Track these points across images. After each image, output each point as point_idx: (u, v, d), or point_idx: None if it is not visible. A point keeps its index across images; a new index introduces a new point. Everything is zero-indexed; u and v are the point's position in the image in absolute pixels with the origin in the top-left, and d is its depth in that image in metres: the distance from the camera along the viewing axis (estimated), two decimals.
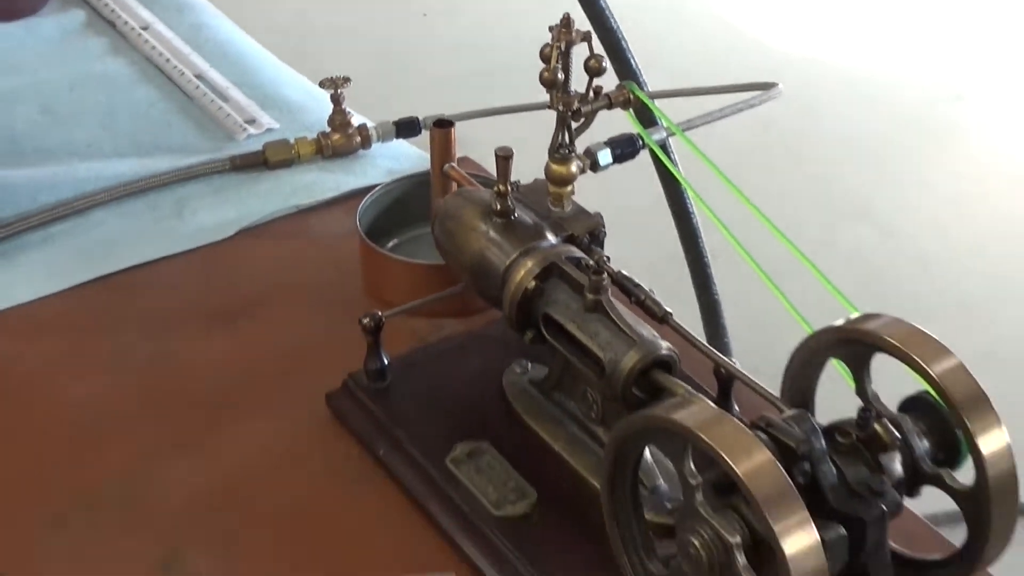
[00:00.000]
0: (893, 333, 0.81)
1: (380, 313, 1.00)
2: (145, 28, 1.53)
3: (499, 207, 0.96)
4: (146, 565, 0.93)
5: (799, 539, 0.72)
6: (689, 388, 0.86)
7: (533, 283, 0.93)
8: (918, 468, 0.81)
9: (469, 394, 1.02)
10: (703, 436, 0.74)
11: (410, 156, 1.35)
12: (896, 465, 0.80)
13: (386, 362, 1.02)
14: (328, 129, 1.33)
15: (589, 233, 0.98)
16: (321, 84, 1.30)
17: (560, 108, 0.94)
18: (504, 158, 0.95)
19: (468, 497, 0.93)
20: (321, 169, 1.32)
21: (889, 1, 3.51)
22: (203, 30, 1.56)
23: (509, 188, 0.96)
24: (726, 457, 0.73)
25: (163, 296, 1.19)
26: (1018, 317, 2.41)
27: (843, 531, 0.78)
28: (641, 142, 1.02)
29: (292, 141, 1.32)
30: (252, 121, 1.39)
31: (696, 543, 0.76)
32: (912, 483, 0.81)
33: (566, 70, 0.92)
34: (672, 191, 1.19)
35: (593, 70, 0.94)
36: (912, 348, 0.80)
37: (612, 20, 1.11)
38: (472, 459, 0.96)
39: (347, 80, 1.29)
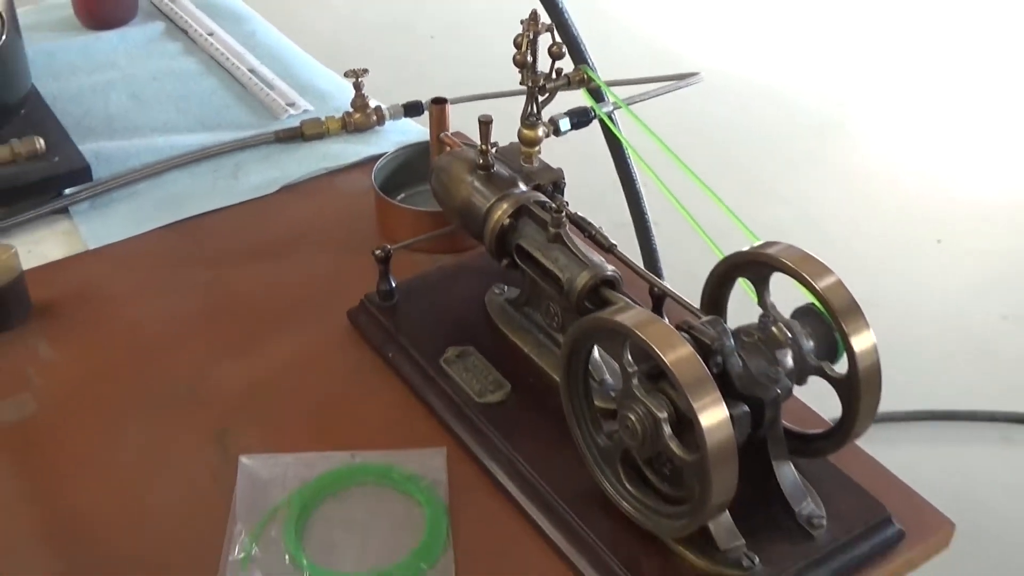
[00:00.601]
0: (787, 256, 0.80)
1: (389, 247, 0.98)
2: (211, 34, 1.51)
3: (481, 162, 0.95)
4: (206, 437, 0.91)
5: (713, 414, 0.71)
6: (629, 300, 0.84)
7: (508, 220, 0.92)
8: (805, 362, 0.80)
9: (459, 310, 1.00)
10: (639, 333, 0.73)
11: (414, 131, 1.33)
12: (788, 359, 0.79)
13: (393, 285, 1.00)
14: (351, 110, 1.30)
15: (552, 183, 0.96)
16: (345, 74, 1.28)
17: (529, 84, 0.92)
18: (485, 123, 0.94)
19: (457, 389, 0.92)
20: (345, 141, 1.30)
21: (786, 24, 3.47)
22: (255, 35, 1.53)
23: (489, 148, 0.94)
24: (657, 350, 0.71)
25: (221, 238, 1.16)
26: (889, 266, 2.41)
27: (747, 408, 0.77)
28: (593, 113, 0.99)
29: (323, 119, 1.30)
30: (292, 104, 1.36)
31: (632, 418, 0.75)
32: (800, 373, 0.80)
33: (533, 54, 0.90)
34: (618, 156, 1.17)
35: (555, 55, 0.92)
36: (801, 267, 0.79)
37: (571, 22, 1.08)
38: (460, 360, 0.94)
39: (365, 71, 1.27)
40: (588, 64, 1.07)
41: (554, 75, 0.93)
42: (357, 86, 1.29)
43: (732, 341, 0.78)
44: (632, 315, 0.74)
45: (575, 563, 0.80)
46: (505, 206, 0.92)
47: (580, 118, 0.98)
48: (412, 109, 1.31)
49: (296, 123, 1.31)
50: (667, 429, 0.74)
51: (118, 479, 0.88)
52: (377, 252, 0.98)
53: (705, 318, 0.79)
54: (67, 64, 1.44)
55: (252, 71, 1.42)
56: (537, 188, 0.95)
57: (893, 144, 2.91)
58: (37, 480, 0.88)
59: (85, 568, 0.81)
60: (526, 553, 0.82)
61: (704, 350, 0.77)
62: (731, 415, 0.73)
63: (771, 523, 0.80)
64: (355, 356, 0.99)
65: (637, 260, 1.02)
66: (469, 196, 0.94)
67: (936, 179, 2.74)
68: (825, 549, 0.79)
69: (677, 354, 0.72)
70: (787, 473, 0.81)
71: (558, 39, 0.91)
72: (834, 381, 0.79)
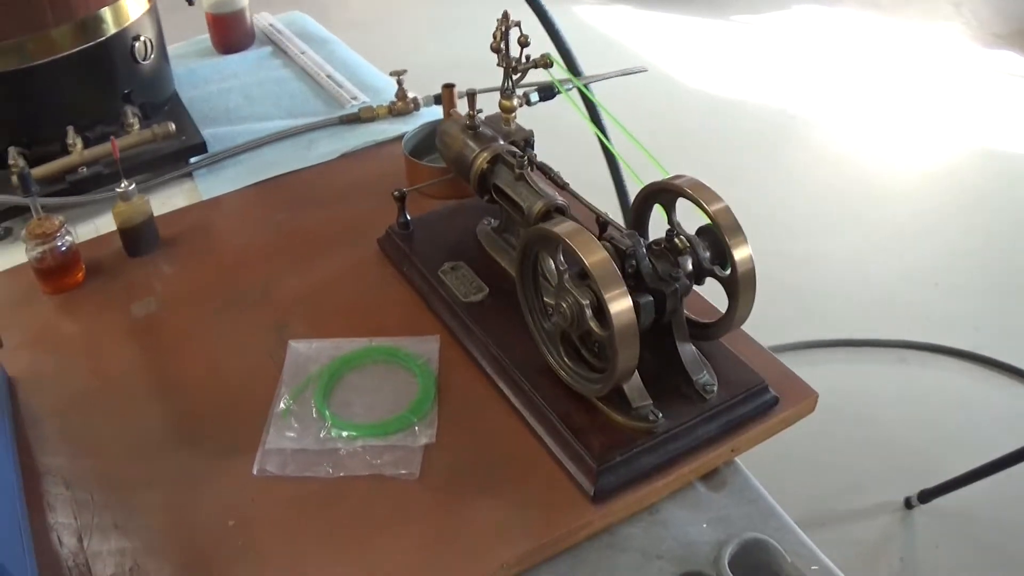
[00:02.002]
0: (688, 185, 0.74)
1: (404, 189, 0.94)
2: (303, 52, 1.47)
3: (469, 123, 0.89)
4: (269, 328, 0.89)
5: (620, 302, 0.66)
6: (575, 222, 0.79)
7: (486, 165, 0.87)
8: (701, 266, 0.74)
9: (456, 237, 0.95)
10: (567, 240, 0.68)
11: (441, 114, 1.27)
12: (688, 264, 0.73)
13: (408, 219, 0.96)
14: (395, 99, 1.25)
15: (524, 140, 0.90)
16: (391, 74, 1.24)
17: (504, 65, 0.86)
18: (471, 95, 0.90)
19: (449, 292, 0.87)
20: (390, 123, 1.25)
21: (745, 45, 3.34)
22: (334, 52, 1.49)
23: (475, 113, 0.89)
24: (579, 253, 0.67)
25: (295, 191, 1.12)
26: (824, 236, 2.31)
27: (651, 298, 0.71)
28: (556, 89, 0.93)
29: (375, 107, 1.25)
30: (355, 97, 1.31)
31: (564, 306, 0.70)
32: (698, 275, 0.74)
33: (507, 43, 0.85)
34: (595, 120, 1.08)
35: (523, 43, 0.86)
36: (698, 194, 0.73)
37: (552, 19, 1.01)
38: (453, 271, 0.90)
39: (405, 71, 1.22)
40: (577, 68, 1.00)
41: (524, 59, 0.87)
42: (399, 82, 1.24)
43: (644, 249, 0.73)
44: (564, 227, 0.69)
45: (526, 417, 0.76)
46: (485, 155, 0.87)
47: (547, 93, 0.92)
48: (439, 98, 1.26)
49: (355, 110, 1.26)
50: (589, 312, 0.69)
51: (208, 354, 0.86)
52: (395, 193, 0.94)
53: (626, 232, 0.74)
54: (202, 77, 1.42)
55: (329, 76, 1.38)
56: (512, 143, 0.90)
57: (830, 140, 2.79)
58: (156, 354, 0.87)
59: (183, 411, 0.80)
60: (492, 411, 0.78)
61: (621, 255, 0.72)
62: (638, 303, 0.68)
63: (674, 389, 0.75)
64: (379, 272, 0.95)
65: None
66: (461, 149, 0.90)
67: (860, 169, 2.63)
68: (715, 409, 0.74)
69: (595, 256, 0.67)
70: (688, 351, 0.76)
71: (525, 32, 0.86)
72: (723, 281, 0.74)
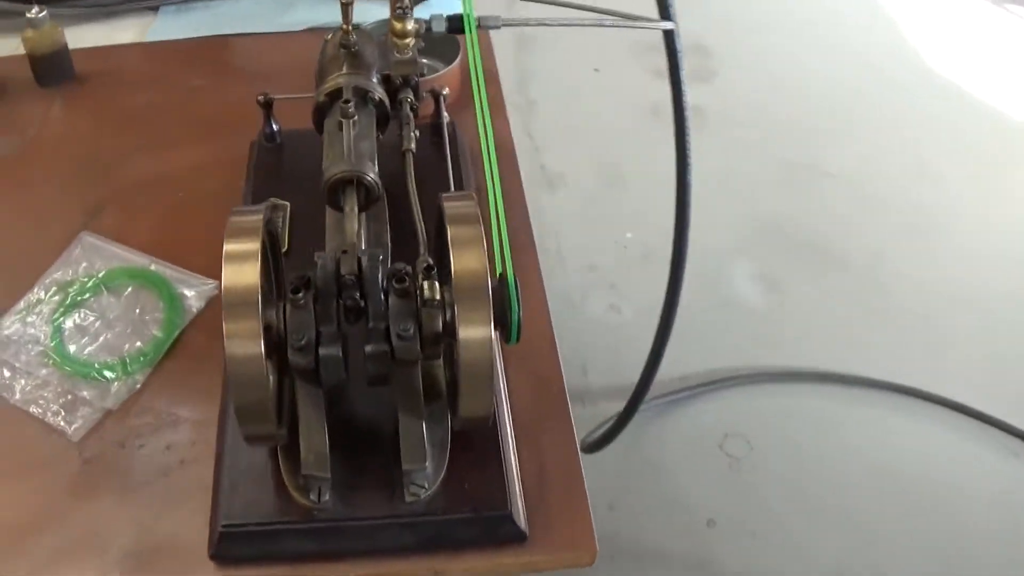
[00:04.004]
0: (452, 205, 0.54)
1: (271, 95, 0.79)
2: None
3: (343, 41, 0.71)
4: (85, 207, 0.81)
5: (243, 344, 0.49)
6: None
7: (323, 98, 0.69)
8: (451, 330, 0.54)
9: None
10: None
11: None
12: (438, 323, 0.54)
13: (276, 129, 0.82)
14: None
15: (403, 77, 0.71)
16: None
17: None
18: (345, 4, 0.70)
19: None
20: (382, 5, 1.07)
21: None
22: None
23: (349, 29, 0.71)
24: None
25: (240, 57, 1.01)
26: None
27: (336, 352, 0.53)
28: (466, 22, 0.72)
29: None
30: None
31: None
32: (434, 340, 0.54)
33: None
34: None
35: None
36: (458, 225, 0.53)
37: None
38: (275, 212, 0.75)
39: None
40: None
41: None
42: None
43: (379, 282, 0.54)
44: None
45: (224, 429, 0.63)
46: (327, 85, 0.69)
47: (455, 23, 0.71)
48: None
49: None
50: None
51: (11, 212, 0.81)
52: (260, 98, 0.78)
53: (370, 251, 0.55)
54: None
55: None
56: (385, 79, 0.71)
57: None
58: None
59: None
60: (208, 404, 0.65)
61: (336, 281, 0.54)
62: (306, 353, 0.51)
63: (380, 471, 0.58)
64: (227, 182, 0.81)
65: None
66: (326, 65, 0.72)
67: None
68: (418, 518, 0.57)
69: (231, 279, 0.51)
70: (412, 430, 0.58)
71: None
72: (451, 362, 0.54)
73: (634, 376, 0.98)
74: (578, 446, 0.63)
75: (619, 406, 1.23)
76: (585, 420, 1.50)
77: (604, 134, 2.08)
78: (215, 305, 0.71)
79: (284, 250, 0.71)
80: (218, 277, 0.70)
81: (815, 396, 1.55)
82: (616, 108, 2.14)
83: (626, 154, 2.01)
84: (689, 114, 0.72)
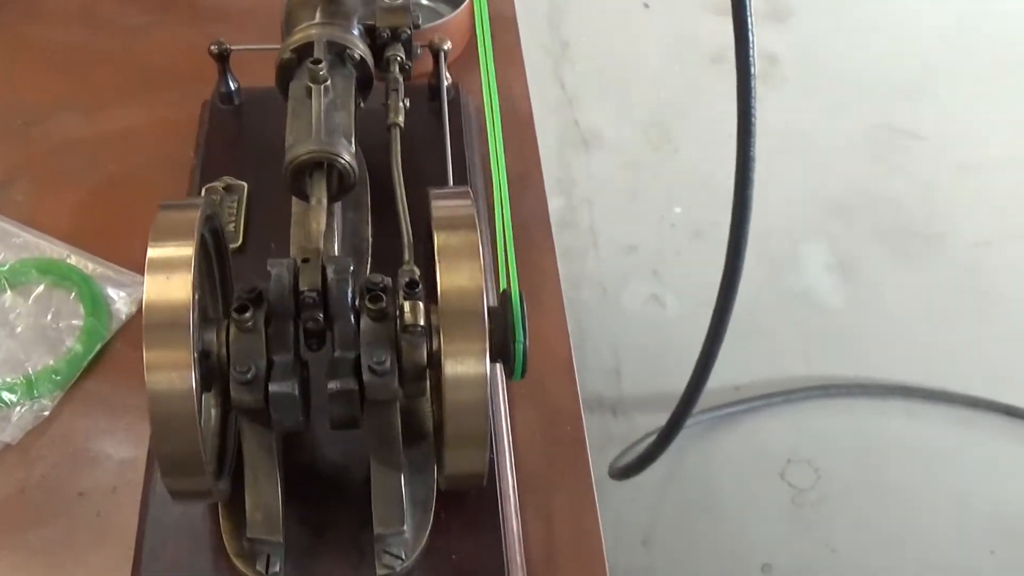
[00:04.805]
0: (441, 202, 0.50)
1: (227, 45, 0.75)
2: None
3: None
4: None
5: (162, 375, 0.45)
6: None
7: (289, 54, 0.65)
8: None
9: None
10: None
11: None
12: (421, 352, 0.50)
13: (234, 88, 0.77)
14: None
15: (392, 28, 0.67)
16: None
17: None
18: None
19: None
20: None
21: None
22: None
23: None
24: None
25: None
26: None
27: (290, 390, 0.50)
28: None
29: None
30: None
31: None
32: (415, 374, 0.51)
33: None
34: None
35: None
36: (444, 229, 0.49)
37: None
38: (228, 192, 0.71)
39: None
40: None
41: None
42: None
43: (348, 301, 0.51)
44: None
45: None
46: (294, 38, 0.65)
47: None
48: None
49: None
50: None
51: None
52: (212, 48, 0.75)
53: (337, 259, 0.52)
54: None
55: None
56: (369, 30, 0.67)
57: None
58: None
59: None
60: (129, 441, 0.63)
61: (295, 301, 0.51)
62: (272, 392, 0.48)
63: (346, 535, 0.55)
64: (172, 152, 0.78)
65: None
66: (295, 11, 0.68)
67: None
68: None
69: (151, 294, 0.47)
70: (387, 484, 0.54)
71: None
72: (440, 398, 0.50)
73: (678, 384, 0.95)
74: (597, 505, 0.60)
75: (658, 420, 1.20)
76: (618, 437, 1.48)
77: (652, 85, 2.03)
78: None
79: (237, 245, 0.67)
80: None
81: (900, 415, 1.51)
82: (667, 53, 2.08)
83: (677, 110, 1.97)
84: (756, 62, 0.69)
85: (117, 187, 0.77)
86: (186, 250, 0.48)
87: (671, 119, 1.96)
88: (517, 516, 0.58)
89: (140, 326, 0.65)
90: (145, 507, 0.57)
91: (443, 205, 0.51)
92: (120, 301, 0.69)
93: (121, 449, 0.62)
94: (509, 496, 0.58)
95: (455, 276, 0.48)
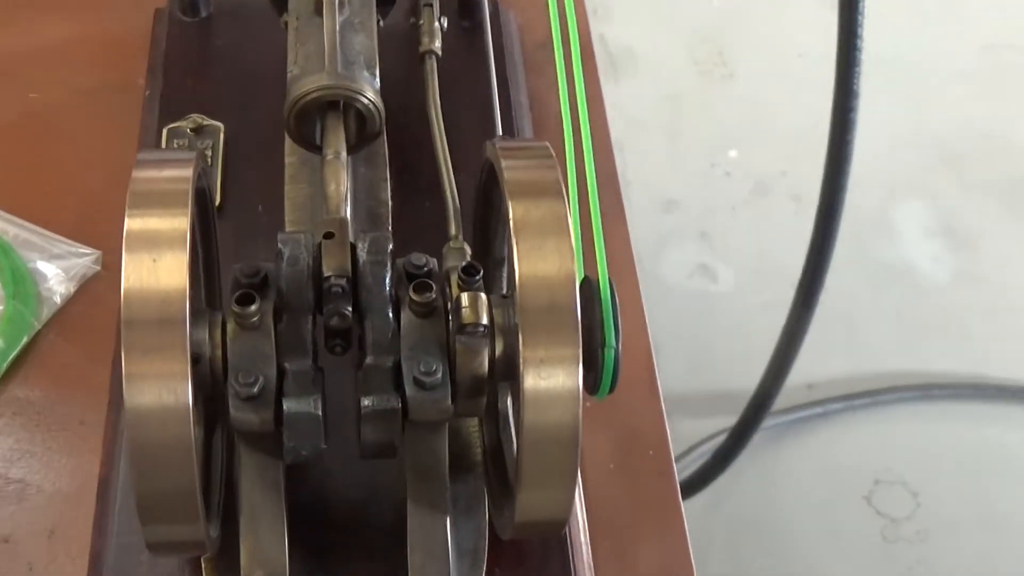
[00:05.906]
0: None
1: None
2: None
3: None
4: None
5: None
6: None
7: None
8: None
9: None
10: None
11: None
12: (481, 360, 0.50)
13: None
14: None
15: None
16: None
17: None
18: None
19: None
20: None
21: None
22: None
23: None
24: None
25: None
26: None
27: (318, 410, 0.49)
28: None
29: None
30: None
31: None
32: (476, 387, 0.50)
33: None
34: None
35: None
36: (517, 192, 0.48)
37: None
38: (197, 135, 0.71)
39: None
40: None
41: None
42: None
43: (386, 299, 0.50)
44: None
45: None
46: None
47: None
48: None
49: None
50: None
51: None
52: None
53: (373, 234, 0.51)
54: None
55: None
56: None
57: None
58: None
59: None
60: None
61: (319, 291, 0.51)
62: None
63: None
64: (117, 79, 0.79)
65: None
66: None
67: None
68: None
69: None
70: (429, 528, 0.54)
71: None
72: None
73: (734, 381, 0.95)
74: (692, 558, 0.60)
75: (709, 426, 1.20)
76: None
77: None
78: (94, 291, 0.69)
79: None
80: (98, 242, 0.68)
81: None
82: None
83: (734, 22, 1.96)
84: None
85: (42, 129, 0.77)
86: (179, 222, 0.46)
87: (724, 35, 1.96)
88: (590, 569, 0.58)
89: (79, 313, 0.67)
90: (96, 559, 0.57)
91: (516, 165, 0.50)
92: (53, 279, 0.69)
93: (58, 479, 0.61)
94: (581, 546, 0.59)
95: (539, 261, 0.47)
